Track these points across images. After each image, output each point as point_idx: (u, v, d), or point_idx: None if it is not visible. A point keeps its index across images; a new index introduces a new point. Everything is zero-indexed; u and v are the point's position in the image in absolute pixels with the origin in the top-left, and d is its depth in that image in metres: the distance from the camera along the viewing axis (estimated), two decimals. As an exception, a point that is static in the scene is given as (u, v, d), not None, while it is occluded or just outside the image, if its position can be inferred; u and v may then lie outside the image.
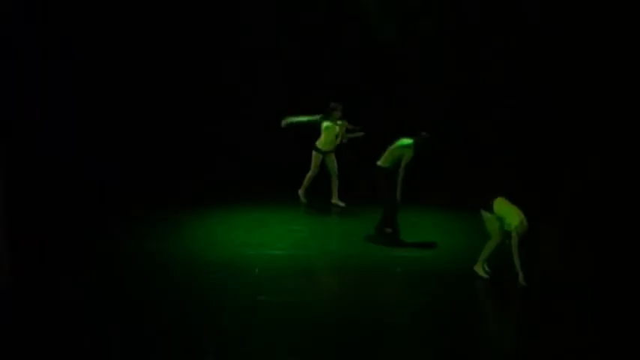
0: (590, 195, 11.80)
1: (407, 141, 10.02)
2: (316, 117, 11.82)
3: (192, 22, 14.12)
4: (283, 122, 11.86)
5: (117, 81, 13.82)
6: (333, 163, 11.91)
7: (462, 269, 8.88)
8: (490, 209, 8.54)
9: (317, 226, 10.88)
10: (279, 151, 13.83)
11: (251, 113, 14.58)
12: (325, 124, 11.81)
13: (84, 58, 13.54)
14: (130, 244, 9.62)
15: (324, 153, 11.89)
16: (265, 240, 9.91)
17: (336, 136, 11.78)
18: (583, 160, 12.68)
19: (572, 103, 13.38)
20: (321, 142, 11.91)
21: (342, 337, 6.74)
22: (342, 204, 11.95)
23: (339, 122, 11.76)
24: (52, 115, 13.01)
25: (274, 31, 14.29)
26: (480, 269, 8.66)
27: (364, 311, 7.38)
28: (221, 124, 14.53)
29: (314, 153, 11.96)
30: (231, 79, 14.51)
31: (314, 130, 12.49)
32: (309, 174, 12.02)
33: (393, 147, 10.13)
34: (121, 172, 13.07)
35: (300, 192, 12.12)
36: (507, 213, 8.43)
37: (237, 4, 14.29)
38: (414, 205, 12.28)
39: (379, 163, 10.13)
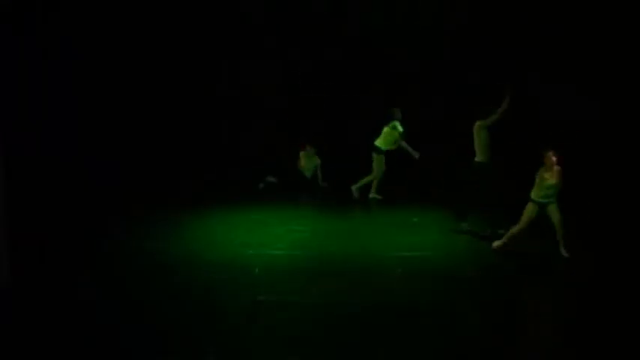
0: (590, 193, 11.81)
1: None
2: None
3: (191, 22, 14.12)
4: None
5: (117, 81, 13.83)
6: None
7: (462, 269, 8.88)
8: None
9: (317, 226, 10.88)
10: (279, 151, 13.88)
11: (251, 114, 14.60)
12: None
13: (84, 58, 13.54)
14: (130, 244, 9.63)
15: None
16: (265, 240, 9.91)
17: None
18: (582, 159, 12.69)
19: (571, 102, 13.38)
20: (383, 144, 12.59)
21: (342, 337, 6.73)
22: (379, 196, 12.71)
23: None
24: (52, 115, 13.02)
25: (274, 32, 14.30)
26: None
27: (364, 311, 7.37)
28: (221, 125, 14.56)
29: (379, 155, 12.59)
30: (231, 79, 14.52)
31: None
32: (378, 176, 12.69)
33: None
34: (121, 172, 13.07)
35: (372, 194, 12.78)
36: None
37: (235, 4, 14.29)
38: (414, 205, 12.35)
39: None
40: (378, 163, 12.57)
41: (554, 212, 9.18)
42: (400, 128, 12.40)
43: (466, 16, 13.87)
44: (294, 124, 14.23)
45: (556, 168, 9.11)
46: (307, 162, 13.86)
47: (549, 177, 9.09)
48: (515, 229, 9.37)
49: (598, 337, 6.77)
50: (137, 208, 11.60)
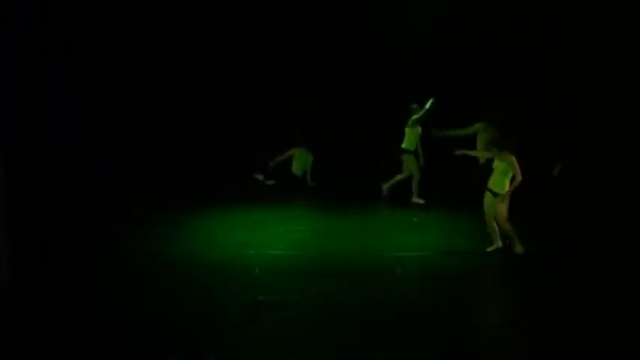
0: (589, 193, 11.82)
1: None
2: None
3: (191, 22, 14.12)
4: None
5: (117, 81, 13.83)
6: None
7: (461, 269, 8.88)
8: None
9: (317, 226, 10.88)
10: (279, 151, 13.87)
11: (252, 114, 14.61)
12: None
13: (84, 58, 13.54)
14: (130, 244, 9.62)
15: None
16: (265, 240, 9.91)
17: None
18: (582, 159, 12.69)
19: (571, 102, 13.38)
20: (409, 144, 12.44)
21: (342, 337, 6.73)
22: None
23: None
24: (52, 115, 13.02)
25: (275, 32, 14.30)
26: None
27: (364, 311, 7.37)
28: (221, 125, 14.56)
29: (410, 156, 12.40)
30: (231, 79, 14.53)
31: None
32: (417, 177, 12.43)
33: None
34: (121, 172, 13.07)
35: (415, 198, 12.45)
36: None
37: (235, 4, 14.30)
38: (414, 205, 12.34)
39: None
40: (412, 164, 12.44)
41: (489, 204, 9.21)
42: (422, 110, 12.18)
43: (466, 16, 13.87)
44: (294, 124, 14.22)
45: (506, 154, 9.04)
46: (299, 159, 13.80)
47: (500, 164, 9.08)
48: (493, 227, 9.33)
49: (598, 337, 6.77)
50: (137, 208, 11.60)
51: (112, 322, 6.98)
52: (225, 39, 14.34)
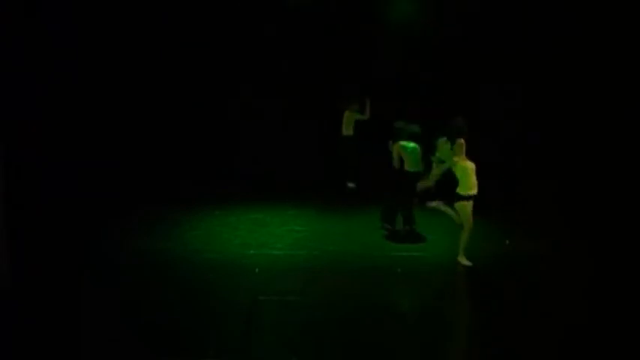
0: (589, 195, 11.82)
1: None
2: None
3: (192, 22, 14.11)
4: None
5: (117, 81, 13.82)
6: None
7: (462, 269, 8.88)
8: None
9: (317, 226, 10.88)
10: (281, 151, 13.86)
11: (253, 114, 14.60)
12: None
13: (84, 57, 13.54)
14: (130, 244, 9.62)
15: None
16: (265, 240, 9.92)
17: None
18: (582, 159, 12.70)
19: (569, 102, 13.38)
20: None
21: (342, 337, 6.74)
22: None
23: None
24: (52, 115, 13.02)
25: (275, 28, 14.28)
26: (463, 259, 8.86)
27: (364, 311, 7.38)
28: (223, 125, 14.55)
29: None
30: (231, 80, 14.52)
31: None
32: None
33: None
34: (121, 172, 13.07)
35: None
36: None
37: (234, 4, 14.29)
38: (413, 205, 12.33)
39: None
40: None
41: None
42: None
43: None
44: (296, 125, 14.20)
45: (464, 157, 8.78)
46: (349, 118, 13.10)
47: (470, 166, 8.73)
48: (465, 235, 8.91)
49: (598, 337, 6.78)
50: (137, 208, 11.59)
51: (112, 322, 6.99)
52: (224, 38, 14.33)
